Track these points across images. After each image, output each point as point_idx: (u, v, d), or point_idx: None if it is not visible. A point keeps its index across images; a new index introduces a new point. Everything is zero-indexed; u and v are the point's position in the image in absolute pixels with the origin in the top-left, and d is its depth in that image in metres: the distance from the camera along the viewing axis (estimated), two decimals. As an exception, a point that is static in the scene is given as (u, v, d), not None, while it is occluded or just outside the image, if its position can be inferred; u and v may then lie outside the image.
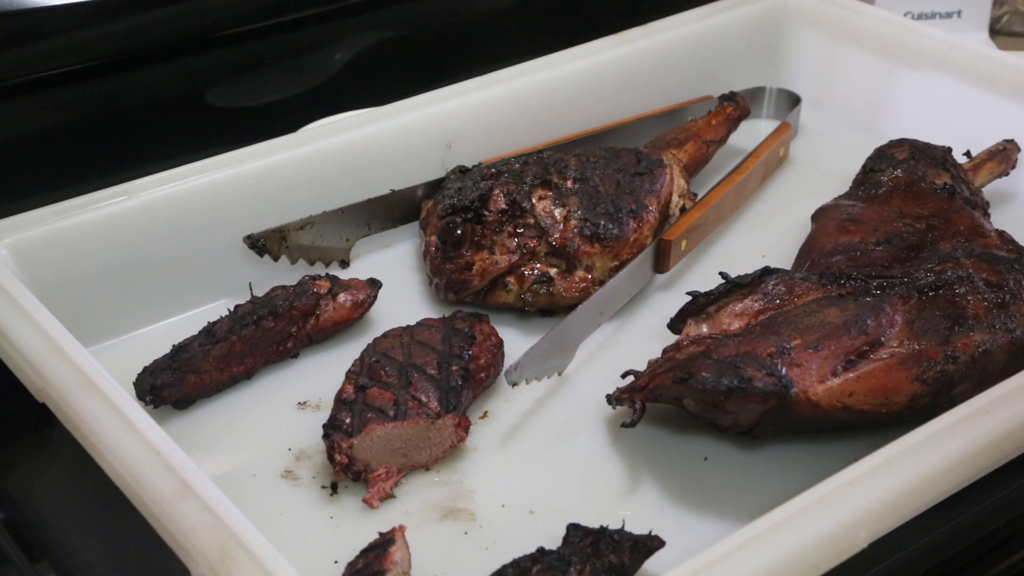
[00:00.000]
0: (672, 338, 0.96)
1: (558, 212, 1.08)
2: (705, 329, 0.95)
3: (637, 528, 0.79)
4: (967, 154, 1.20)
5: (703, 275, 1.13)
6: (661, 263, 1.11)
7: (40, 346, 0.88)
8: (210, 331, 0.98)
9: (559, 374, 1.00)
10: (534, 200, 1.08)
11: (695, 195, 1.18)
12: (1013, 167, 1.21)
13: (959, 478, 0.80)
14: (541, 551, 0.77)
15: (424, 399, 0.92)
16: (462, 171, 1.16)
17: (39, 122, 1.25)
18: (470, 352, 0.96)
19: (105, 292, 1.05)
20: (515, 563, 0.76)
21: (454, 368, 0.94)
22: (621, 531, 0.78)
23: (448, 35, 1.48)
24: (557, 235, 1.07)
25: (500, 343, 1.00)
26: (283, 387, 1.01)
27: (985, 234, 1.04)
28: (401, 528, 0.82)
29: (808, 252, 1.07)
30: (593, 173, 1.12)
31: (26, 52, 1.21)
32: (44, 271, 1.01)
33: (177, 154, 1.13)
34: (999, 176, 1.20)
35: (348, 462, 0.88)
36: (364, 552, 0.80)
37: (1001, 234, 1.06)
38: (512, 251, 1.07)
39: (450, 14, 1.48)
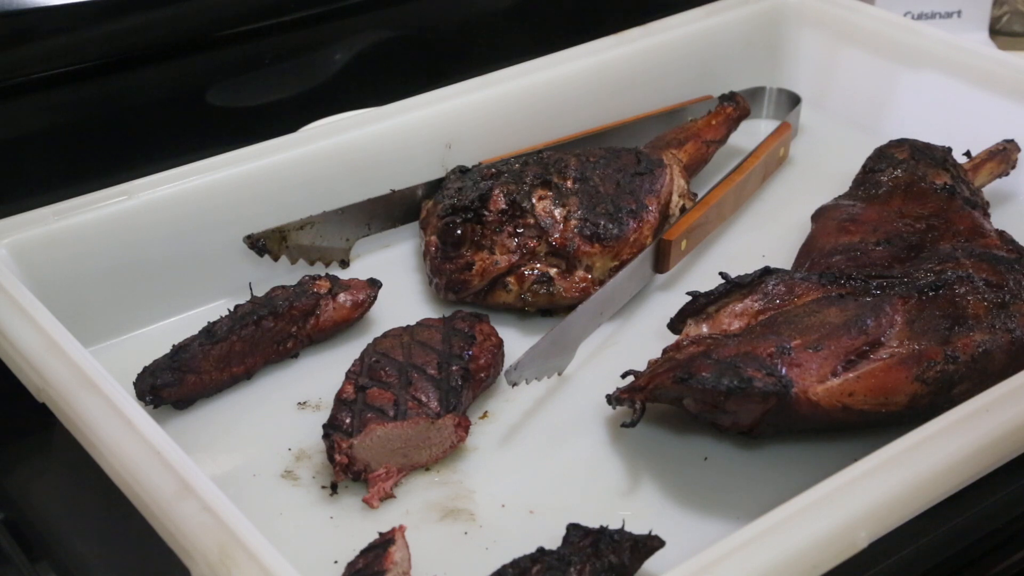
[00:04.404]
0: (672, 338, 0.96)
1: (558, 212, 1.08)
2: (705, 329, 0.95)
3: (637, 528, 0.79)
4: (967, 154, 1.20)
5: (703, 275, 1.13)
6: (661, 263, 1.11)
7: (40, 346, 0.88)
8: (210, 331, 0.98)
9: (559, 374, 1.00)
10: (534, 200, 1.08)
11: (695, 195, 1.18)
12: (1013, 167, 1.21)
13: (959, 478, 0.80)
14: (541, 551, 0.77)
15: (424, 399, 0.92)
16: (462, 171, 1.16)
17: (39, 122, 1.25)
18: (470, 352, 0.96)
19: (105, 292, 1.05)
20: (515, 563, 0.76)
21: (454, 368, 0.94)
22: (621, 531, 0.78)
23: (448, 35, 1.48)
24: (557, 235, 1.07)
25: (500, 343, 1.00)
26: (283, 387, 1.01)
27: (985, 234, 1.04)
28: (401, 528, 0.82)
29: (808, 252, 1.07)
30: (593, 173, 1.12)
31: (26, 52, 1.21)
32: (44, 271, 1.01)
33: (177, 154, 1.13)
34: (999, 176, 1.21)
35: (348, 462, 0.88)
36: (364, 552, 0.80)
37: (1001, 234, 1.06)
38: (512, 251, 1.07)
39: (450, 14, 1.48)
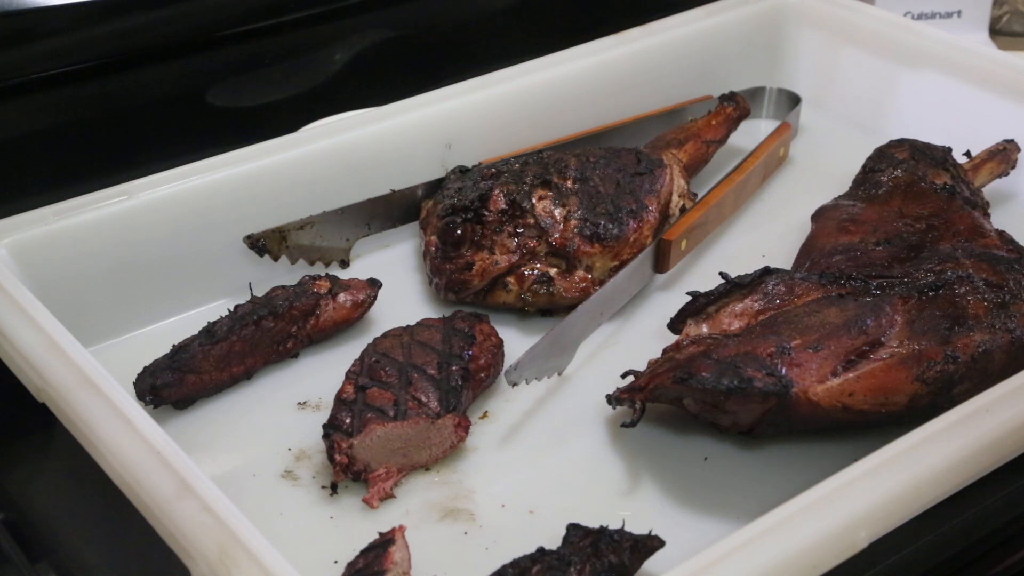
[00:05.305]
0: (672, 338, 0.96)
1: (558, 212, 1.08)
2: (705, 329, 0.95)
3: (637, 528, 0.79)
4: (967, 154, 1.20)
5: (703, 275, 1.13)
6: (661, 263, 1.11)
7: (40, 346, 0.88)
8: (210, 331, 0.98)
9: (559, 374, 1.00)
10: (534, 200, 1.08)
11: (695, 195, 1.18)
12: (1013, 167, 1.21)
13: (959, 478, 0.80)
14: (541, 551, 0.77)
15: (424, 399, 0.92)
16: (462, 171, 1.16)
17: (39, 122, 1.25)
18: (470, 352, 0.96)
19: (105, 292, 1.05)
20: (515, 563, 0.76)
21: (454, 368, 0.94)
22: (621, 531, 0.78)
23: (448, 35, 1.48)
24: (557, 235, 1.07)
25: (500, 343, 1.00)
26: (283, 387, 1.01)
27: (985, 234, 1.04)
28: (401, 528, 0.82)
29: (808, 252, 1.07)
30: (593, 173, 1.12)
31: (26, 52, 1.21)
32: (44, 271, 1.01)
33: (177, 154, 1.13)
34: (999, 176, 1.21)
35: (348, 462, 0.88)
36: (364, 552, 0.80)
37: (1001, 234, 1.06)
38: (512, 251, 1.07)
39: (450, 14, 1.48)
